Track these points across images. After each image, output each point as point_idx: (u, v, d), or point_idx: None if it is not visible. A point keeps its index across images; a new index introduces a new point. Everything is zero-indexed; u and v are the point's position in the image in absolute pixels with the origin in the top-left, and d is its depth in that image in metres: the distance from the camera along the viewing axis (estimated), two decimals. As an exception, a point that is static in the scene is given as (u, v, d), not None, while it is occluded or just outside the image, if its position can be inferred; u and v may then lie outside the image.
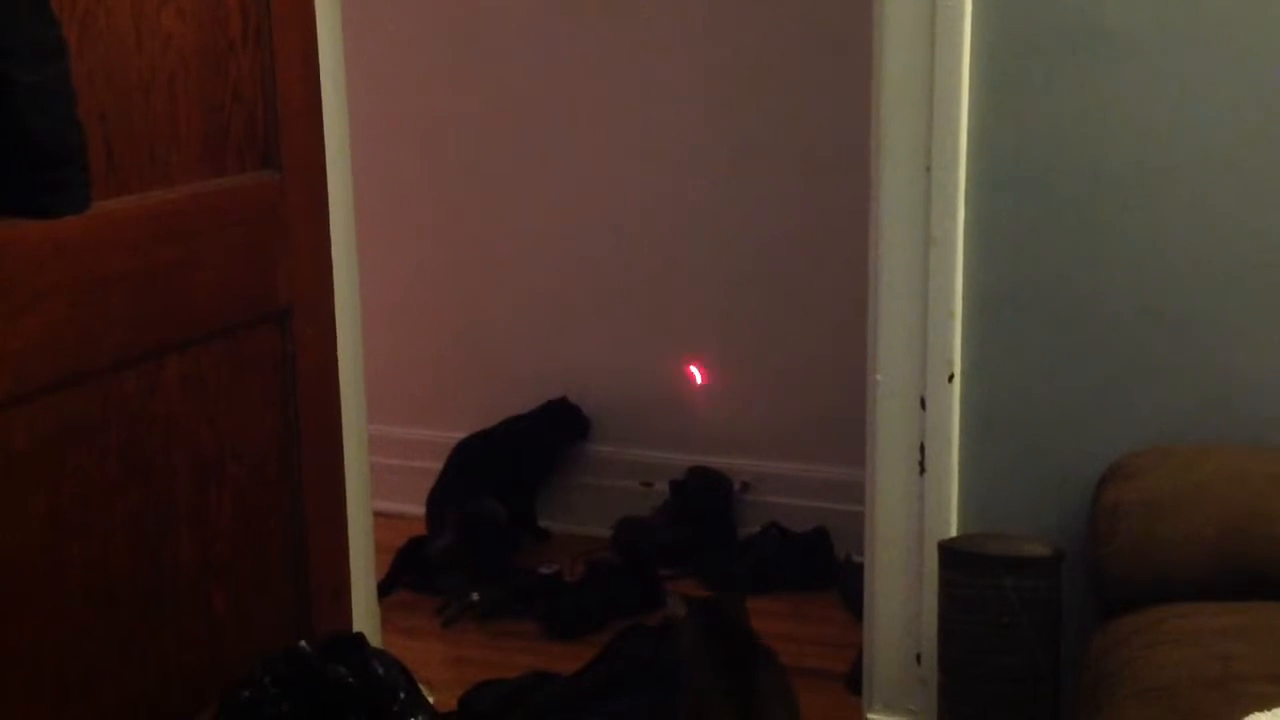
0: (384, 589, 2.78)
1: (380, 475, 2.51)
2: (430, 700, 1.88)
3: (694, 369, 3.22)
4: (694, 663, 2.11)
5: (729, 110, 3.17)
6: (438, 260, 3.46)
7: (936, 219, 2.09)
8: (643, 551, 3.11)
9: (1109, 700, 1.60)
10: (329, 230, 2.13)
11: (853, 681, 2.49)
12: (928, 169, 2.08)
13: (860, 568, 2.35)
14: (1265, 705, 1.39)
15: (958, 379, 2.14)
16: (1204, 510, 1.85)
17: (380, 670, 1.81)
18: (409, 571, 3.02)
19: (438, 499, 3.24)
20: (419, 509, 3.26)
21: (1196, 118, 2.01)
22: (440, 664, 2.67)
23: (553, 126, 3.30)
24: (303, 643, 1.82)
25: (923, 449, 2.17)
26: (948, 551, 2.04)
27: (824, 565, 3.04)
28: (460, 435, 3.33)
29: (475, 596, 2.92)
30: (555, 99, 3.29)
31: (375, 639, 2.33)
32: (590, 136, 3.28)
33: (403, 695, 1.81)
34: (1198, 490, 1.88)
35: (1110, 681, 1.64)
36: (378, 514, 2.48)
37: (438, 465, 3.29)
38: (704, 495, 3.20)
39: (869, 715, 2.28)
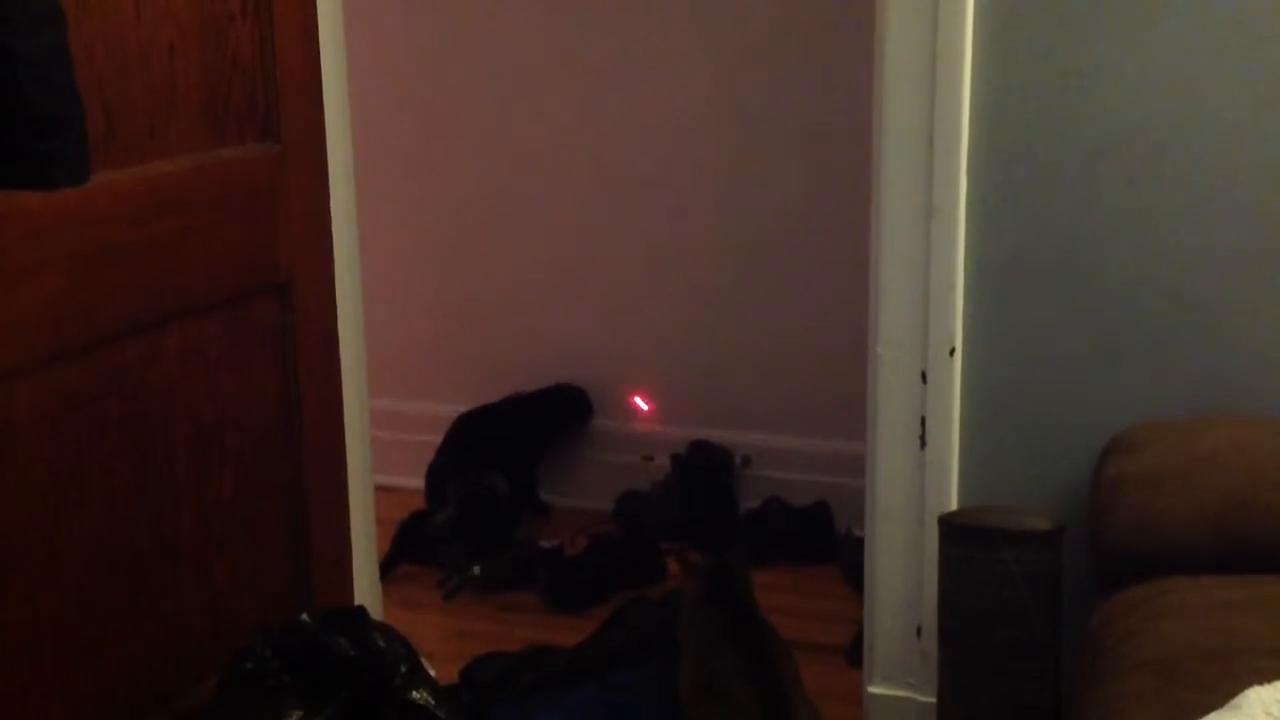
0: (385, 567, 2.78)
1: (380, 448, 2.51)
2: (431, 673, 1.88)
3: (639, 400, 3.28)
4: (695, 627, 2.12)
5: (729, 81, 3.16)
6: (437, 233, 3.45)
7: (938, 191, 2.08)
8: (644, 525, 3.12)
9: (1110, 673, 1.60)
10: (329, 202, 2.13)
11: (853, 655, 2.49)
12: (930, 140, 2.07)
13: (860, 541, 2.35)
14: (1266, 678, 1.39)
15: (959, 352, 2.14)
16: (1206, 483, 1.84)
17: (381, 643, 1.81)
18: (410, 547, 3.02)
19: (438, 472, 3.24)
20: (419, 482, 3.26)
21: (1200, 90, 2.00)
22: (441, 637, 2.68)
23: (555, 99, 3.29)
24: (304, 615, 1.83)
25: (924, 423, 2.16)
26: (948, 525, 2.03)
27: (824, 539, 3.04)
28: (460, 409, 3.33)
29: (476, 569, 2.93)
30: (557, 72, 3.28)
31: (376, 611, 2.33)
32: (593, 110, 3.27)
33: (404, 668, 1.81)
34: (1199, 463, 1.88)
35: (1111, 654, 1.64)
36: (377, 487, 2.48)
37: (438, 439, 3.29)
38: (705, 469, 3.20)
39: (869, 688, 2.29)
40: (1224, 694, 1.39)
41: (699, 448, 3.23)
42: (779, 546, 3.02)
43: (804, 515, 3.08)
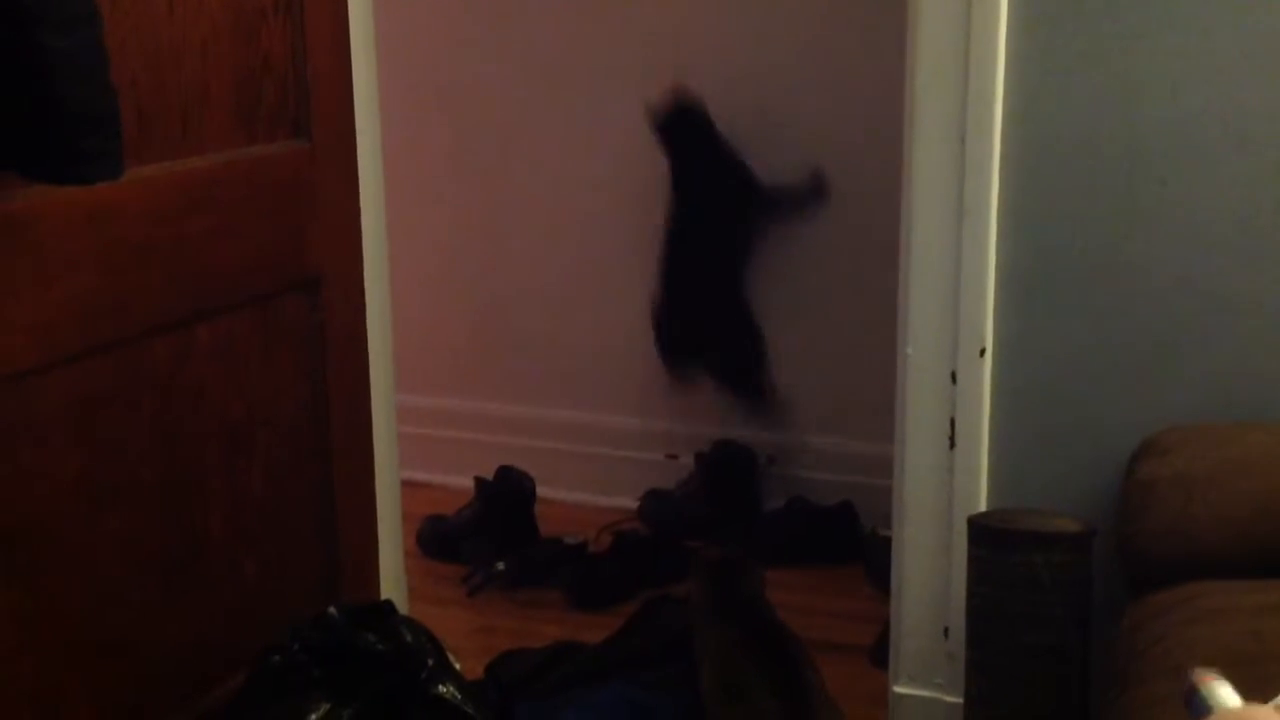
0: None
1: (407, 444, 2.52)
2: (458, 667, 1.89)
3: None
4: (714, 633, 2.12)
5: (757, 83, 3.15)
6: (465, 230, 3.45)
7: (970, 190, 2.07)
8: (668, 523, 3.11)
9: (1140, 677, 1.59)
10: (358, 199, 2.14)
11: (878, 655, 2.49)
12: (962, 140, 2.06)
13: (886, 541, 2.35)
14: (1299, 684, 1.38)
15: (989, 353, 2.13)
16: (1238, 488, 1.83)
17: (409, 637, 1.82)
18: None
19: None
20: (445, 478, 3.28)
21: (1236, 89, 1.98)
22: (466, 632, 2.68)
23: (584, 98, 3.29)
24: (332, 609, 1.83)
25: (953, 423, 2.15)
26: (977, 527, 2.03)
27: (849, 538, 3.03)
28: (487, 405, 3.34)
29: (501, 566, 2.93)
30: (587, 72, 3.27)
31: (402, 607, 2.34)
32: (625, 107, 3.26)
33: (431, 662, 1.82)
34: (1232, 468, 1.86)
35: (1142, 659, 1.63)
36: (404, 483, 2.49)
37: (464, 435, 3.31)
38: (729, 468, 3.20)
39: (894, 688, 2.28)
40: (1255, 699, 1.38)
41: (723, 446, 3.22)
42: (803, 546, 3.01)
43: (828, 514, 3.07)
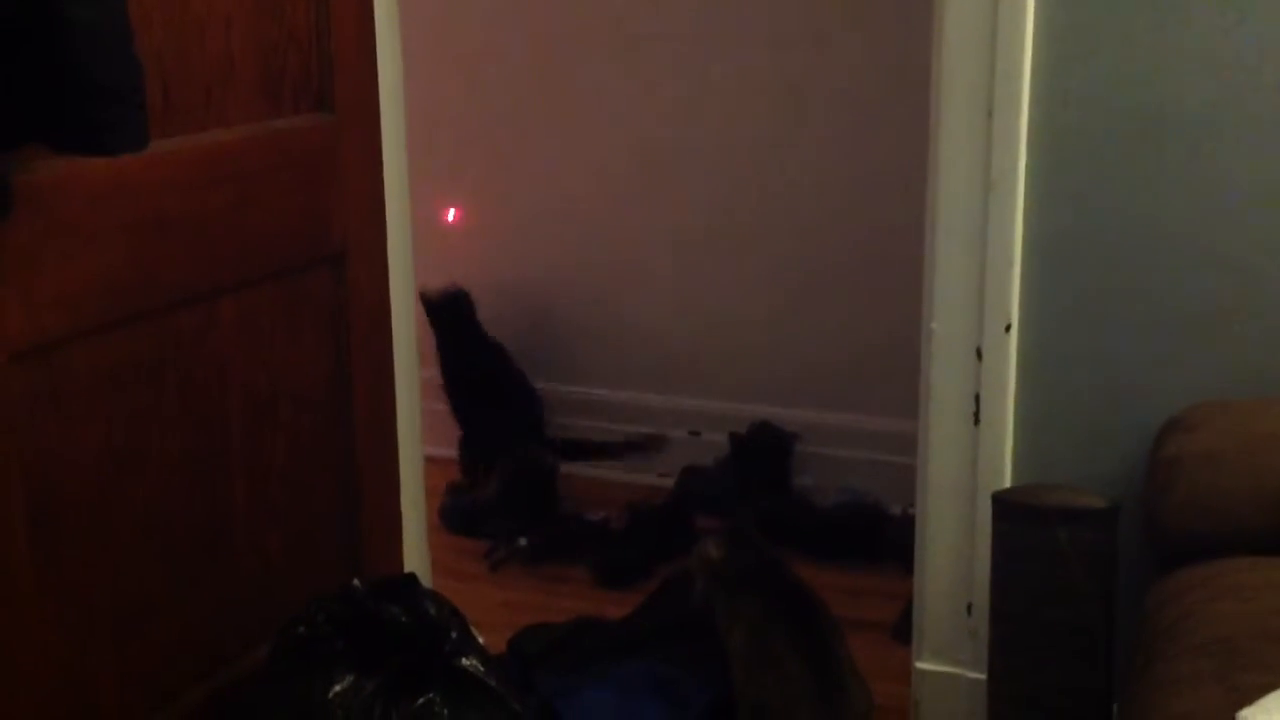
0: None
1: (430, 419, 2.52)
2: (480, 640, 1.89)
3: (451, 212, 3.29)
4: (744, 603, 2.11)
5: (783, 53, 3.13)
6: (487, 204, 3.45)
7: (997, 165, 2.05)
8: (701, 501, 3.10)
9: (1166, 654, 1.59)
10: (382, 173, 2.13)
11: (901, 631, 2.48)
12: (989, 113, 2.04)
13: (909, 519, 2.34)
14: (1327, 660, 1.37)
15: (1015, 329, 2.11)
16: (1266, 464, 1.82)
17: (432, 610, 1.82)
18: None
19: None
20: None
21: (1266, 62, 1.95)
22: (489, 607, 2.69)
23: (609, 72, 3.28)
24: (356, 582, 1.84)
25: (978, 399, 2.14)
26: (1001, 503, 2.02)
27: (872, 536, 2.98)
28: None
29: (523, 541, 2.94)
30: (611, 44, 3.26)
31: (425, 581, 2.34)
32: (647, 85, 3.25)
33: (454, 635, 1.82)
34: (1260, 443, 1.85)
35: (1168, 634, 1.63)
36: (426, 458, 2.49)
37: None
38: (764, 449, 3.17)
39: (917, 664, 2.28)
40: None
41: (759, 428, 3.19)
42: (829, 535, 2.98)
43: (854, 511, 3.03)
